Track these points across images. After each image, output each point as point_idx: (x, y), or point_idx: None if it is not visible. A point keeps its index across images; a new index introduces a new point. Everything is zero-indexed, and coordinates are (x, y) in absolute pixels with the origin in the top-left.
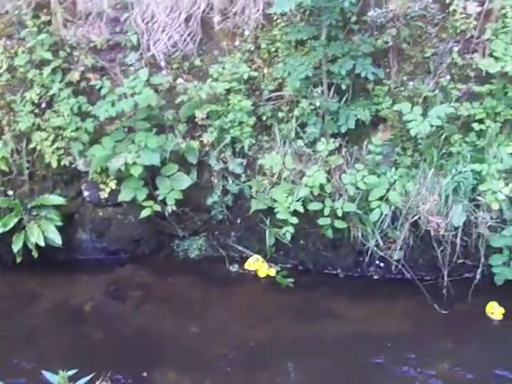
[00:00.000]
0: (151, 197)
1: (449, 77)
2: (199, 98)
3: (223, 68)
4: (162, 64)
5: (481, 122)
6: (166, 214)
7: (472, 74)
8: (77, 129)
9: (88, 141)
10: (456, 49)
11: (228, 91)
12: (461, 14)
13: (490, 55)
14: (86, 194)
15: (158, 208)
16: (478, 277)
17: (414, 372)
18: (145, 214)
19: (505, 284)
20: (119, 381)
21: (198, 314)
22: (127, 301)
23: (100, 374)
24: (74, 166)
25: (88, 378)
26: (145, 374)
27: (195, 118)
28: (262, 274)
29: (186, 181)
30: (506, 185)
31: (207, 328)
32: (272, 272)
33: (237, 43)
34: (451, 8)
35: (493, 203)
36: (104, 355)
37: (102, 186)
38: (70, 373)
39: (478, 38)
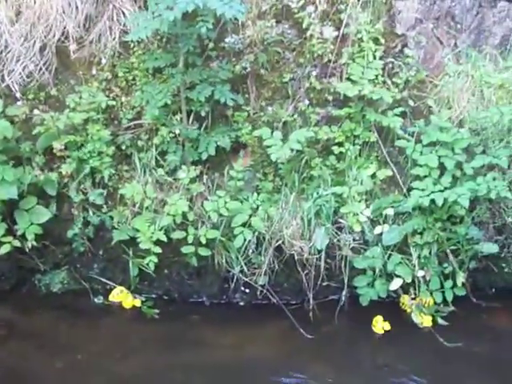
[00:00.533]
0: (10, 232)
1: (307, 101)
2: (57, 129)
3: (80, 97)
4: (18, 95)
5: (340, 145)
6: (26, 249)
7: (330, 97)
8: None
9: None
10: (314, 73)
11: (86, 121)
12: (318, 38)
13: (348, 79)
14: None
15: (17, 243)
16: (343, 299)
17: None
18: (4, 250)
19: (370, 304)
20: None
21: (65, 349)
22: None
23: None
24: None
25: None
26: None
27: (53, 149)
28: (127, 306)
29: (45, 214)
30: (367, 206)
31: (75, 363)
32: (137, 303)
33: (94, 72)
34: (308, 33)
35: (354, 225)
36: None
37: None
38: None
39: (335, 62)
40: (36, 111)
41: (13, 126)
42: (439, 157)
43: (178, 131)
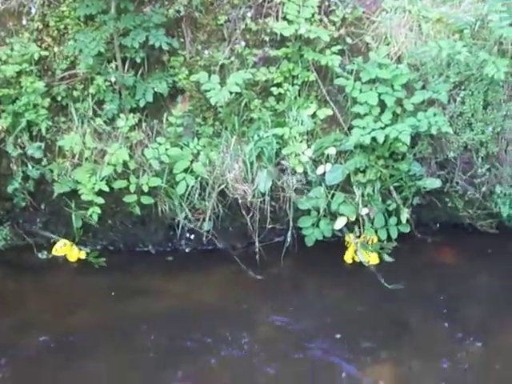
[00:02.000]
0: None
1: (244, 43)
2: None
3: (12, 49)
4: None
5: (279, 86)
6: None
7: (267, 38)
8: None
9: None
10: (249, 14)
11: (19, 73)
12: None
13: (284, 18)
14: None
15: None
16: (288, 240)
17: (240, 337)
18: None
19: (315, 244)
20: None
21: (12, 305)
22: None
23: None
24: None
25: None
26: None
27: None
28: (72, 259)
29: None
30: (309, 147)
31: (22, 319)
32: (82, 255)
33: (24, 22)
34: None
35: (297, 166)
36: None
37: None
38: None
39: (271, 1)
40: None
41: None
42: (379, 94)
43: (113, 79)
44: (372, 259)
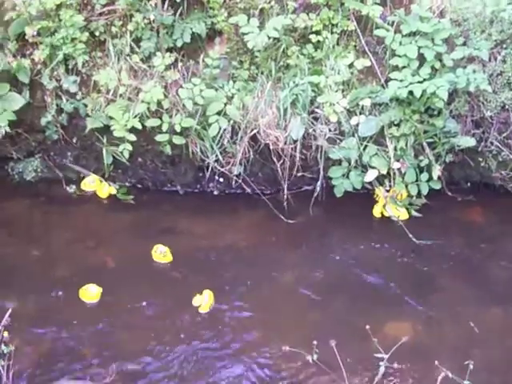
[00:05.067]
0: None
1: None
2: (29, 15)
3: None
4: None
5: (318, 33)
6: (0, 136)
7: None
8: None
9: None
10: None
11: (59, 6)
12: None
13: None
14: None
15: None
16: (317, 189)
17: (263, 281)
18: None
19: (344, 195)
20: None
21: (39, 237)
22: None
23: None
24: None
25: None
26: None
27: (25, 35)
28: (102, 194)
29: (18, 101)
30: (344, 97)
31: (50, 251)
32: (112, 191)
33: None
34: None
35: (331, 115)
36: None
37: None
38: None
39: None
40: None
41: None
42: (419, 47)
43: (152, 17)
44: (401, 214)
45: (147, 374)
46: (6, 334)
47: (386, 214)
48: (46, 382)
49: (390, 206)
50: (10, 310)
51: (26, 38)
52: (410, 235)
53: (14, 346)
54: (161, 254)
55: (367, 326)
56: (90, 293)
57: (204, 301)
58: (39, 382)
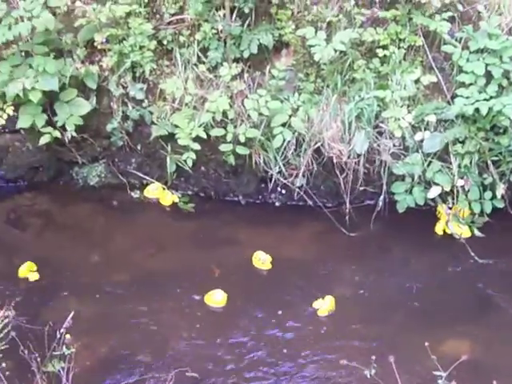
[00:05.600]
0: (50, 123)
1: (353, 1)
2: (98, 22)
3: None
4: None
5: (385, 48)
6: (66, 140)
7: None
8: None
9: None
10: None
11: (128, 14)
12: None
13: None
14: None
15: (57, 134)
16: (380, 204)
17: (321, 294)
18: (44, 140)
19: (406, 211)
20: (22, 310)
21: (100, 241)
22: (27, 229)
23: (3, 304)
24: None
25: None
26: (49, 302)
27: (94, 42)
28: (164, 202)
29: (85, 106)
30: (409, 112)
31: (109, 256)
32: (175, 199)
33: None
34: None
35: (396, 130)
36: (5, 286)
37: None
38: None
39: None
40: (78, 3)
41: (55, 18)
42: (486, 64)
43: (220, 27)
44: (464, 232)
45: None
46: (67, 336)
47: (448, 232)
48: None
49: (453, 224)
50: (72, 313)
51: (95, 44)
52: (472, 254)
53: (74, 349)
54: (260, 260)
55: (426, 343)
56: (215, 298)
57: (324, 305)
58: None
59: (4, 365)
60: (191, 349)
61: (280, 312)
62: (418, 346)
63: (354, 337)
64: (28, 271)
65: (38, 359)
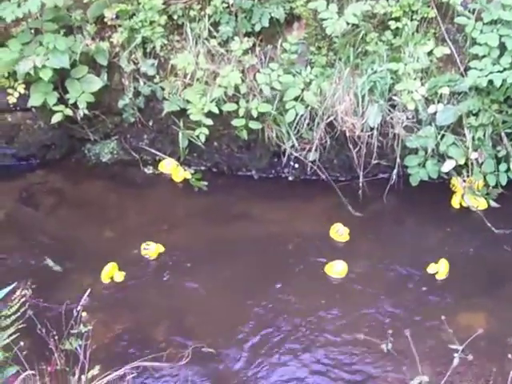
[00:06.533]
0: (61, 101)
1: None
2: None
3: None
4: None
5: (397, 20)
6: (78, 117)
7: None
8: None
9: None
10: None
11: None
12: None
13: None
14: None
15: (69, 112)
16: (393, 178)
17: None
18: (56, 119)
19: (419, 185)
20: (38, 288)
21: (113, 218)
22: (40, 207)
23: (19, 283)
24: None
25: (10, 287)
26: (64, 279)
27: (104, 18)
28: (177, 179)
29: (96, 83)
30: (422, 84)
31: (123, 232)
32: (188, 175)
33: None
34: None
35: (409, 103)
36: (20, 263)
37: (9, 91)
38: None
39: None
40: None
41: None
42: (500, 36)
43: (231, 1)
44: (480, 204)
45: None
46: (84, 314)
47: (465, 205)
48: (121, 362)
49: (468, 196)
50: (88, 291)
51: (105, 20)
52: (489, 224)
53: (91, 326)
54: (338, 232)
55: (443, 317)
56: (336, 269)
57: (441, 269)
58: (115, 362)
59: (22, 343)
60: (207, 325)
61: (279, 285)
62: (434, 319)
63: (369, 312)
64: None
65: (56, 337)
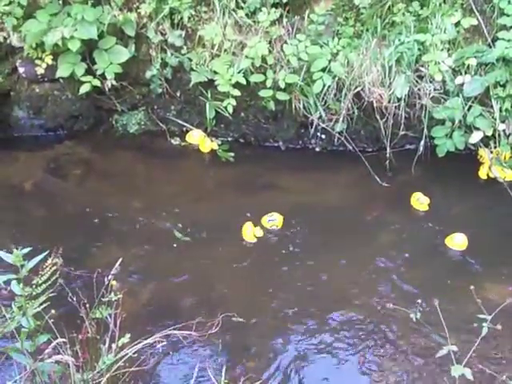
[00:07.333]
0: (89, 72)
1: None
2: None
3: None
4: None
5: None
6: (106, 88)
7: None
8: (10, 3)
9: (22, 15)
10: None
11: None
12: None
13: None
14: (21, 70)
15: (97, 83)
16: (420, 149)
17: (362, 239)
18: (84, 89)
19: (446, 156)
20: (69, 256)
21: (142, 189)
22: (69, 177)
23: (50, 251)
24: (7, 41)
25: (43, 255)
26: (92, 249)
27: None
28: (204, 149)
29: (124, 53)
30: (450, 55)
31: (151, 203)
32: (215, 145)
33: None
34: None
35: (436, 74)
36: (50, 232)
37: (37, 62)
38: (25, 251)
39: None
40: None
41: None
42: None
43: None
44: (507, 175)
45: None
46: (114, 282)
47: (491, 175)
48: (151, 331)
49: (496, 168)
50: (120, 260)
51: None
52: None
53: (121, 295)
54: (418, 201)
55: (471, 287)
56: (457, 241)
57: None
58: (144, 331)
59: (53, 311)
60: (237, 295)
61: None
62: (462, 289)
63: (397, 282)
64: None
65: (87, 305)
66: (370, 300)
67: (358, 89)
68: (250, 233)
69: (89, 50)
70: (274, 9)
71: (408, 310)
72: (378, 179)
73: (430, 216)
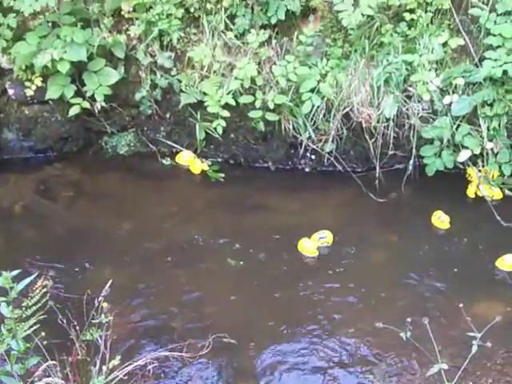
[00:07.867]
0: (79, 94)
1: None
2: None
3: None
4: None
5: (412, 11)
6: (96, 110)
7: None
8: None
9: (11, 37)
10: None
11: None
12: None
13: None
14: (10, 92)
15: (86, 105)
16: (409, 168)
17: (354, 256)
18: (73, 111)
19: (435, 175)
20: (58, 278)
21: (131, 210)
22: (58, 199)
23: (40, 273)
24: None
25: (32, 277)
26: (82, 271)
27: (121, 11)
28: (195, 170)
29: (113, 75)
30: (437, 75)
31: (141, 224)
32: (205, 167)
33: None
34: None
35: (424, 94)
36: (39, 254)
37: (27, 84)
38: (14, 273)
39: None
40: None
41: None
42: None
43: None
44: (495, 194)
45: None
46: (105, 304)
47: (480, 194)
48: (141, 353)
49: (484, 186)
50: (110, 281)
51: (122, 13)
52: (498, 217)
53: (112, 317)
54: (439, 219)
55: (460, 305)
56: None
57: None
58: (134, 353)
59: (43, 334)
60: (228, 315)
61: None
62: (452, 307)
63: (387, 300)
64: None
65: (77, 328)
66: (361, 318)
67: (347, 109)
68: (311, 247)
69: (78, 71)
70: (262, 30)
71: (397, 328)
72: (372, 196)
73: (421, 234)
